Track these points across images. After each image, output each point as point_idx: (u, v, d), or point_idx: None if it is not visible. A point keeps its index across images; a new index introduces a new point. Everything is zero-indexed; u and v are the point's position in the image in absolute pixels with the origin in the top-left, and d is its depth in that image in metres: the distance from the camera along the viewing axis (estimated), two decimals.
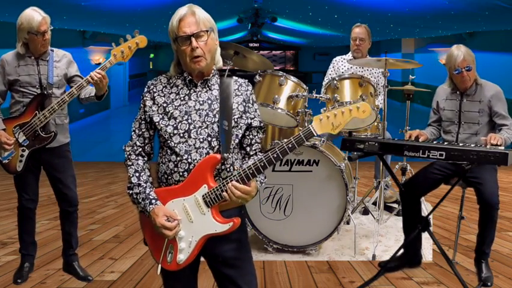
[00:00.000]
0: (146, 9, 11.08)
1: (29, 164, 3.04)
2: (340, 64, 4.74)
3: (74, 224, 3.25)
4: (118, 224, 4.87)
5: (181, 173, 1.80)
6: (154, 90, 1.87)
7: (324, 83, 4.53)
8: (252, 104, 1.91)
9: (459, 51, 3.13)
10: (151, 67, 15.36)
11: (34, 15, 2.92)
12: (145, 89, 1.90)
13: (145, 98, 1.88)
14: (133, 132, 1.90)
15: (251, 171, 1.74)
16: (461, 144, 2.99)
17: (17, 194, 3.18)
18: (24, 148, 2.99)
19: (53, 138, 3.01)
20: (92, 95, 3.01)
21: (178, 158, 1.79)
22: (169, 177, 1.82)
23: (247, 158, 1.91)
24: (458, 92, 3.27)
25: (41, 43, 2.96)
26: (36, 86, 3.01)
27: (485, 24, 11.94)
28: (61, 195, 3.18)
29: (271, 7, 12.82)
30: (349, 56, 4.74)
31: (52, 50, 3.10)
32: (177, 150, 1.79)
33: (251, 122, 1.89)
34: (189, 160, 1.79)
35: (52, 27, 3.02)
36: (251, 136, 1.91)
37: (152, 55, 15.25)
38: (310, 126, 1.75)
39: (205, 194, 1.77)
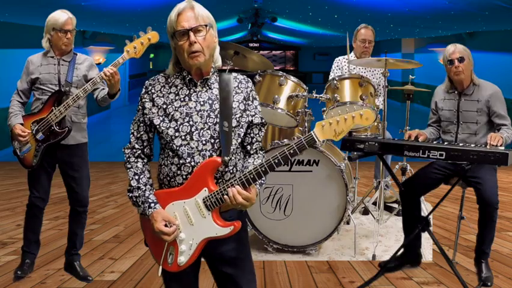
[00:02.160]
0: (146, 9, 11.08)
1: (44, 163, 3.10)
2: (344, 64, 4.73)
3: (81, 225, 3.29)
4: (118, 224, 4.88)
5: (184, 176, 1.78)
6: (153, 91, 1.84)
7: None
8: (252, 101, 1.88)
9: (453, 45, 3.21)
10: (151, 67, 15.36)
11: (62, 14, 3.08)
12: (143, 90, 1.86)
13: (143, 100, 1.84)
14: (131, 135, 1.87)
15: (252, 176, 1.72)
16: (461, 144, 2.99)
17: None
18: (40, 143, 3.05)
19: (67, 133, 3.06)
20: (106, 94, 3.08)
21: (181, 161, 1.77)
22: (172, 180, 1.80)
23: (247, 157, 1.89)
24: (456, 92, 3.28)
25: (63, 41, 3.07)
26: (55, 83, 3.09)
27: (485, 24, 11.94)
28: (73, 194, 3.22)
29: (271, 7, 12.82)
30: (351, 56, 4.73)
31: (76, 54, 3.18)
32: (180, 153, 1.77)
33: (252, 119, 1.87)
34: (192, 163, 1.76)
35: (76, 30, 3.14)
36: (252, 134, 1.89)
37: (152, 55, 15.24)
38: (312, 132, 1.74)
39: (206, 198, 1.75)
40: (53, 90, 3.07)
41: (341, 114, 1.74)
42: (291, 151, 1.73)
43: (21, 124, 3.05)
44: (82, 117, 3.20)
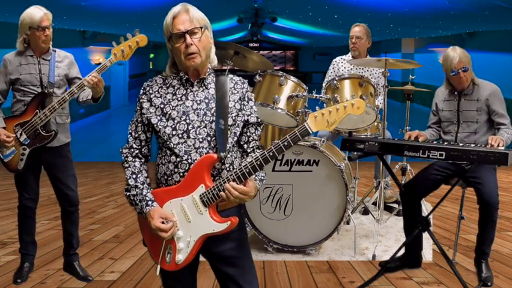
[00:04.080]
0: (146, 9, 11.08)
1: (29, 163, 3.05)
2: (340, 65, 4.74)
3: (75, 224, 3.26)
4: (118, 224, 4.87)
5: (181, 174, 1.79)
6: (150, 91, 1.87)
7: (324, 84, 4.53)
8: (248, 102, 1.90)
9: (454, 53, 3.15)
10: (151, 67, 15.36)
11: (36, 11, 2.98)
12: (141, 91, 1.89)
13: (141, 101, 1.87)
14: (129, 135, 1.90)
15: (247, 170, 1.73)
16: (461, 144, 2.99)
17: (17, 194, 3.18)
18: (25, 147, 3.00)
19: (54, 137, 3.03)
20: (89, 98, 3.06)
21: (178, 159, 1.79)
22: (169, 178, 1.82)
23: (245, 156, 1.91)
24: (455, 93, 3.28)
25: (42, 39, 2.99)
26: (37, 85, 3.03)
27: (485, 24, 11.94)
28: (62, 195, 3.19)
29: (271, 7, 12.81)
30: (349, 56, 4.74)
31: (54, 50, 3.12)
32: (177, 151, 1.79)
33: (248, 119, 1.89)
34: (189, 161, 1.78)
35: (53, 25, 3.05)
36: (248, 133, 1.90)
37: (152, 55, 15.25)
38: (305, 123, 1.75)
39: (203, 194, 1.76)
40: (36, 92, 3.01)
41: (333, 105, 1.75)
42: (285, 143, 1.74)
43: (4, 128, 2.98)
44: (65, 118, 3.16)
